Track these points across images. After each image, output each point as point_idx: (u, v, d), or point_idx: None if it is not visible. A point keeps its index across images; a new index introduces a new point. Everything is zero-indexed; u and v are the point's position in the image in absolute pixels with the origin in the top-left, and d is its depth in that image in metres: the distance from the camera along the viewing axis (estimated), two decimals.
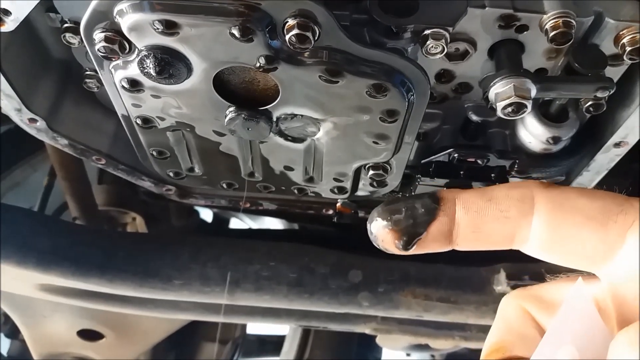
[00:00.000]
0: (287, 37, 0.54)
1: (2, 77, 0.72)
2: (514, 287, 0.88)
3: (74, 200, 1.11)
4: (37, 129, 0.80)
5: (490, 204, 0.35)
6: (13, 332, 1.45)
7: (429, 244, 0.36)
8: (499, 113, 0.61)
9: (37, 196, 1.50)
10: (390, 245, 0.37)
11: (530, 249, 0.36)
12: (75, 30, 0.70)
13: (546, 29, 0.59)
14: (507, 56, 0.62)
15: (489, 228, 0.35)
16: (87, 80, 0.79)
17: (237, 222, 1.72)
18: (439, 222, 0.36)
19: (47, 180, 1.32)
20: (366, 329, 1.02)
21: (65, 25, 0.70)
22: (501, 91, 0.60)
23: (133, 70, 0.60)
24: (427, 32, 0.59)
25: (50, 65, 0.81)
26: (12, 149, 1.50)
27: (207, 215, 1.71)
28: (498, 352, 0.38)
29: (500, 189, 0.36)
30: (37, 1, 0.62)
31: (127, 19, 0.54)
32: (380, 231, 0.36)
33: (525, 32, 0.61)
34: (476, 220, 0.35)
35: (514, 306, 0.40)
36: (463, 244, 0.36)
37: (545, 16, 0.59)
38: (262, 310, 0.98)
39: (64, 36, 0.71)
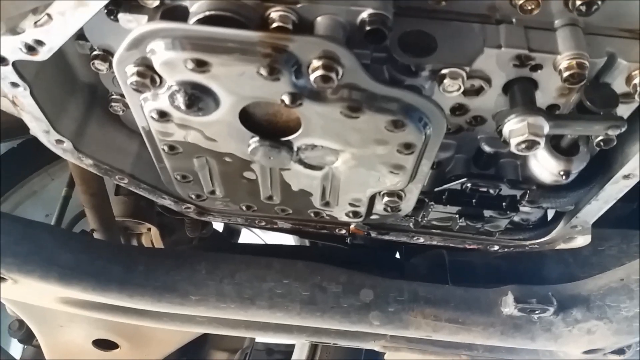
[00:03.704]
0: (312, 77, 0.56)
1: (33, 102, 0.75)
2: (521, 310, 0.89)
3: (93, 214, 1.14)
4: (64, 149, 0.83)
5: None
6: (27, 338, 1.48)
7: None
8: (513, 149, 0.63)
9: (53, 204, 1.54)
10: None
11: None
12: (104, 58, 0.73)
13: (560, 69, 0.61)
14: (521, 93, 0.65)
15: None
16: (113, 103, 0.82)
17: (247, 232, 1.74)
18: None
19: (66, 192, 1.35)
20: (375, 346, 1.04)
21: (95, 52, 0.73)
22: (515, 128, 0.62)
23: (162, 103, 0.62)
24: (444, 71, 0.61)
25: (77, 88, 0.83)
26: (30, 158, 1.54)
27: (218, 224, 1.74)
28: None
29: None
30: (71, 34, 0.64)
31: (159, 56, 0.57)
32: None
33: (539, 71, 0.64)
34: None
35: None
36: None
37: (559, 57, 0.61)
38: (274, 326, 1.01)
39: (93, 63, 0.74)
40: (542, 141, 0.61)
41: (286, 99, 0.59)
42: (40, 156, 1.57)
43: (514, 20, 0.63)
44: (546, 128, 0.62)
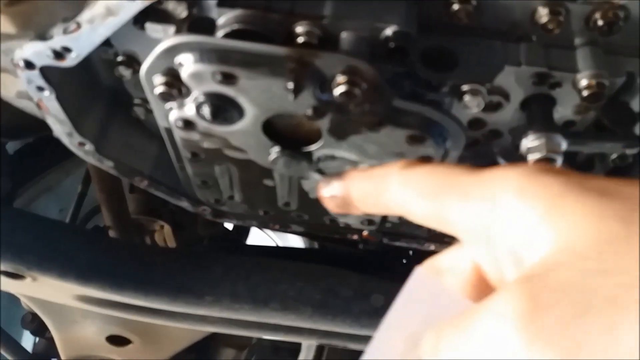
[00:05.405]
0: (335, 91, 0.57)
1: (58, 105, 0.76)
2: None
3: (109, 212, 1.16)
4: (86, 152, 0.85)
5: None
6: (39, 331, 1.50)
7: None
8: None
9: (68, 199, 1.56)
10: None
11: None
12: (128, 63, 0.75)
13: (579, 87, 0.62)
14: (538, 110, 0.66)
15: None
16: (135, 108, 0.84)
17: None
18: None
19: (81, 188, 1.37)
20: None
21: (119, 58, 0.74)
22: (533, 145, 0.63)
23: (188, 112, 0.64)
24: (465, 87, 0.62)
25: (100, 92, 0.85)
26: (46, 154, 1.55)
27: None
28: None
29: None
30: (99, 43, 0.66)
31: (188, 68, 0.58)
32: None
33: (558, 89, 0.65)
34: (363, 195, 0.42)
35: None
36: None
37: (579, 75, 0.62)
38: (286, 327, 1.02)
39: (117, 69, 0.75)
40: (560, 159, 0.62)
41: (310, 112, 0.60)
42: (55, 152, 1.59)
43: (534, 37, 0.64)
44: (564, 146, 0.63)
